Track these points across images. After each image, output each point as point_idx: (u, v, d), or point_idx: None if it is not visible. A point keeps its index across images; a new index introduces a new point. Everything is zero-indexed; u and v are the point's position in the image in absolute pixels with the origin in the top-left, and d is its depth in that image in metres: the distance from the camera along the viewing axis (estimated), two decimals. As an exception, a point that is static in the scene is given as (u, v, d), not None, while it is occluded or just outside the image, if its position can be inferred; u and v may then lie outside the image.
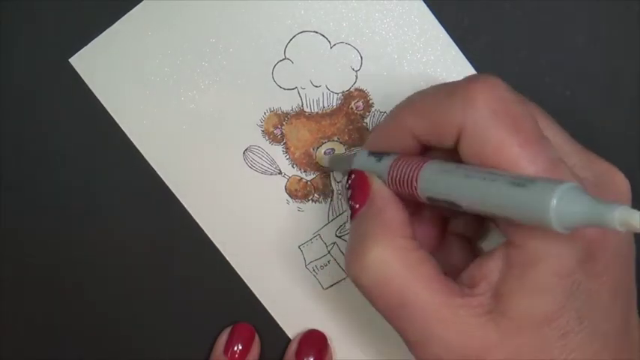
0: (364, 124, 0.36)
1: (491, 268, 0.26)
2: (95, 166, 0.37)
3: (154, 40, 0.36)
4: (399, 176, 0.27)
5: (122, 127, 0.36)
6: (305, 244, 0.37)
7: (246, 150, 0.36)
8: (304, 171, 0.36)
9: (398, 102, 0.35)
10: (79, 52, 0.36)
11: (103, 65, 0.36)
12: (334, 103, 0.36)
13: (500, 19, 0.35)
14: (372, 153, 0.30)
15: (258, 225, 0.37)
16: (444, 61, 0.35)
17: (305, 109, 0.36)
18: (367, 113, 0.36)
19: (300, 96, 0.36)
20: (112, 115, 0.36)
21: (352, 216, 0.29)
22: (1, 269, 0.37)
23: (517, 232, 0.25)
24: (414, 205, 0.29)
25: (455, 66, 0.35)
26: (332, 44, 0.35)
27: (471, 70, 0.35)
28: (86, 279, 0.37)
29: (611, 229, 0.20)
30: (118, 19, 0.35)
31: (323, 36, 0.35)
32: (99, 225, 0.37)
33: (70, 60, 0.36)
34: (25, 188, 0.37)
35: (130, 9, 0.35)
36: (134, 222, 0.37)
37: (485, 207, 0.24)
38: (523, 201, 0.22)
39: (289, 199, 0.37)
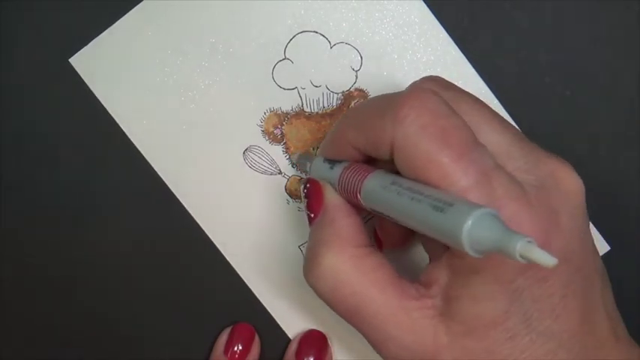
0: (364, 124, 0.36)
1: (440, 273, 0.27)
2: (95, 166, 0.37)
3: (154, 40, 0.36)
4: (346, 186, 0.28)
5: (122, 127, 0.36)
6: (305, 244, 0.37)
7: (246, 150, 0.36)
8: (304, 171, 0.36)
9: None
10: (79, 52, 0.36)
11: (103, 65, 0.36)
12: (334, 103, 0.36)
13: (500, 19, 0.35)
14: (326, 159, 0.31)
15: (258, 225, 0.37)
16: (444, 61, 0.35)
17: (305, 109, 0.36)
18: (367, 113, 0.36)
19: (300, 96, 0.36)
20: (112, 115, 0.36)
21: (310, 224, 0.30)
22: (1, 269, 0.37)
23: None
24: None
25: (455, 66, 0.35)
26: (332, 44, 0.35)
27: (470, 70, 0.35)
28: (86, 279, 0.37)
29: (512, 259, 0.20)
30: (118, 19, 0.35)
31: (323, 36, 0.35)
32: (99, 225, 0.37)
33: (70, 60, 0.36)
34: (25, 188, 0.37)
35: (130, 9, 0.35)
36: (134, 222, 0.37)
37: (412, 225, 0.25)
38: (441, 225, 0.23)
39: (289, 199, 0.37)
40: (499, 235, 0.21)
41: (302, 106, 0.36)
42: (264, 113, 0.36)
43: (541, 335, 0.26)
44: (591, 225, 0.36)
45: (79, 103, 0.36)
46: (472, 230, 0.22)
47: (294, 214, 0.37)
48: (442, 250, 0.27)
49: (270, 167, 0.36)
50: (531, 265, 0.24)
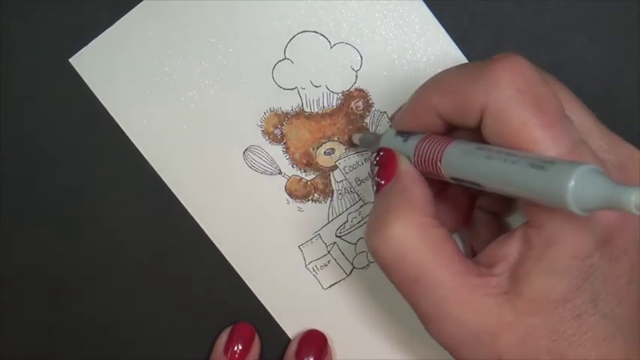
0: (364, 124, 0.36)
1: (509, 249, 0.26)
2: (95, 166, 0.37)
3: (154, 40, 0.36)
4: (424, 156, 0.28)
5: (122, 127, 0.36)
6: (305, 244, 0.37)
7: (246, 150, 0.36)
8: (304, 171, 0.36)
9: (398, 102, 0.35)
10: (79, 52, 0.36)
11: (103, 65, 0.36)
12: (334, 103, 0.36)
13: (500, 19, 0.35)
14: (399, 133, 0.30)
15: (258, 225, 0.37)
16: (444, 61, 0.35)
17: (305, 109, 0.36)
18: (367, 113, 0.36)
19: (300, 96, 0.36)
20: (112, 115, 0.36)
21: (377, 191, 0.29)
22: (1, 269, 0.37)
23: (537, 213, 0.25)
24: (442, 183, 0.29)
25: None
26: (332, 44, 0.35)
27: (471, 70, 0.35)
28: (86, 279, 0.37)
29: (627, 211, 0.20)
30: (118, 19, 0.35)
31: (323, 36, 0.35)
32: (99, 225, 0.37)
33: (70, 60, 0.36)
34: (25, 188, 0.37)
35: (130, 9, 0.35)
36: (134, 222, 0.37)
37: (505, 188, 0.24)
38: (542, 183, 0.22)
39: (289, 199, 0.37)
40: (609, 190, 0.20)
41: (302, 106, 0.36)
42: (264, 113, 0.36)
43: (604, 317, 0.25)
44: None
45: (79, 103, 0.36)
46: (577, 186, 0.21)
47: (294, 214, 0.37)
48: (497, 228, 0.27)
49: (270, 167, 0.36)
50: (606, 243, 0.25)
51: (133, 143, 0.36)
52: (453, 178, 0.27)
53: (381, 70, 0.35)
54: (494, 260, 0.27)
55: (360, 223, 0.37)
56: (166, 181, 0.36)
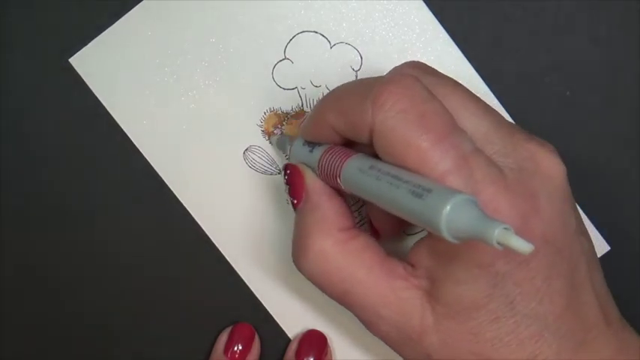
0: (364, 124, 0.36)
1: (423, 255, 0.27)
2: (95, 166, 0.37)
3: (154, 40, 0.36)
4: (326, 170, 0.28)
5: (122, 127, 0.36)
6: (305, 244, 0.37)
7: (246, 150, 0.36)
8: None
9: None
10: (79, 52, 0.36)
11: (103, 65, 0.36)
12: (334, 103, 0.36)
13: (500, 19, 0.35)
14: (305, 142, 0.31)
15: (258, 225, 0.37)
16: (444, 61, 0.35)
17: (305, 109, 0.36)
18: (367, 113, 0.36)
19: (300, 96, 0.36)
20: (112, 115, 0.36)
21: (294, 210, 0.30)
22: (1, 269, 0.37)
23: None
24: None
25: (455, 66, 0.35)
26: (332, 44, 0.35)
27: (470, 70, 0.35)
28: (86, 279, 0.37)
29: (490, 246, 0.20)
30: (118, 19, 0.35)
31: (323, 36, 0.35)
32: (98, 225, 0.37)
33: (70, 60, 0.36)
34: (25, 188, 0.37)
35: (130, 9, 0.35)
36: (134, 222, 0.37)
37: (393, 211, 0.25)
38: (420, 211, 0.23)
39: (289, 199, 0.37)
40: (476, 222, 0.21)
41: (302, 106, 0.36)
42: (264, 113, 0.36)
43: (526, 317, 0.26)
44: (591, 225, 0.36)
45: (79, 103, 0.36)
46: (450, 217, 0.22)
47: (294, 215, 0.37)
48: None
49: (270, 167, 0.36)
50: (509, 250, 0.25)
51: (133, 143, 0.36)
52: (351, 194, 0.27)
53: (381, 70, 0.35)
54: (415, 262, 0.27)
55: (360, 223, 0.37)
56: (166, 181, 0.36)
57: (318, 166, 0.29)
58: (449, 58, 0.35)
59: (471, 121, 0.27)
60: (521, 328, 0.26)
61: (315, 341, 0.37)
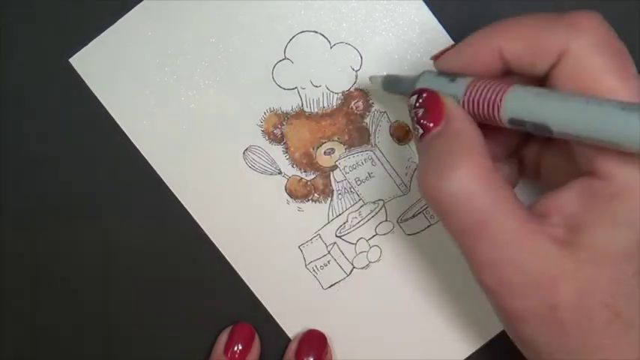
0: (364, 124, 0.36)
1: (567, 201, 0.26)
2: (95, 166, 0.37)
3: (154, 40, 0.36)
4: (479, 97, 0.27)
5: (122, 127, 0.36)
6: (305, 244, 0.37)
7: (246, 150, 0.36)
8: (304, 171, 0.36)
9: (398, 102, 0.35)
10: (79, 52, 0.36)
11: (103, 65, 0.36)
12: (334, 103, 0.36)
13: (500, 19, 0.35)
14: (443, 73, 0.29)
15: (258, 225, 0.37)
16: (444, 61, 0.35)
17: (305, 109, 0.36)
18: (367, 113, 0.36)
19: (300, 96, 0.36)
20: (112, 115, 0.36)
21: (423, 135, 0.28)
22: (1, 269, 0.37)
23: (605, 163, 0.25)
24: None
25: (455, 66, 0.35)
26: (332, 44, 0.35)
27: (471, 70, 0.35)
28: (85, 279, 0.37)
29: None
30: (118, 19, 0.35)
31: (323, 36, 0.35)
32: (99, 225, 0.37)
33: (70, 60, 0.36)
34: (25, 188, 0.37)
35: (130, 9, 0.35)
36: (134, 222, 0.37)
37: (584, 131, 0.24)
38: (631, 125, 0.22)
39: (289, 199, 0.37)
40: None
41: (302, 106, 0.36)
42: (264, 113, 0.36)
43: None
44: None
45: (79, 103, 0.36)
46: None
47: (294, 214, 0.37)
48: (567, 176, 0.27)
49: (270, 167, 0.36)
50: None
51: (133, 143, 0.36)
52: (511, 120, 0.26)
53: (381, 70, 0.35)
54: (548, 212, 0.26)
55: (360, 223, 0.37)
56: (166, 181, 0.36)
57: (467, 94, 0.27)
58: (449, 58, 0.35)
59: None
60: None
61: (315, 341, 0.37)
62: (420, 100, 0.28)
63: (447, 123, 0.27)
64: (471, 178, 0.26)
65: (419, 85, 0.29)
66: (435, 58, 0.30)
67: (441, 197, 0.26)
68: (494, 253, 0.26)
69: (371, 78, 0.34)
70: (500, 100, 0.26)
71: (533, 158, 0.31)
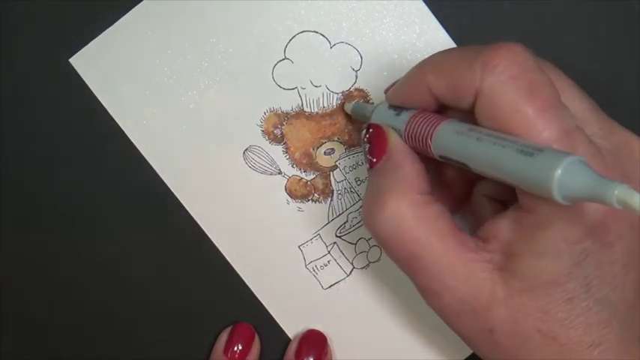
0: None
1: (502, 228, 0.27)
2: (95, 166, 0.37)
3: (154, 40, 0.36)
4: (415, 132, 0.28)
5: (122, 127, 0.36)
6: (305, 244, 0.37)
7: (246, 150, 0.36)
8: (304, 171, 0.36)
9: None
10: (79, 52, 0.36)
11: (103, 65, 0.36)
12: (334, 103, 0.36)
13: (500, 19, 0.35)
14: (391, 106, 0.30)
15: (258, 225, 0.37)
16: (444, 61, 0.35)
17: (305, 109, 0.36)
18: (367, 113, 0.36)
19: (300, 96, 0.36)
20: (112, 115, 0.36)
21: (370, 169, 0.30)
22: (1, 269, 0.37)
23: (527, 197, 0.25)
24: (436, 163, 0.29)
25: (455, 66, 0.35)
26: (332, 44, 0.35)
27: (471, 70, 0.35)
28: (85, 279, 0.37)
29: (609, 206, 0.20)
30: (118, 19, 0.35)
31: (323, 36, 0.35)
32: (99, 225, 0.37)
33: (70, 60, 0.36)
34: (25, 188, 0.37)
35: (130, 9, 0.35)
36: (134, 222, 0.37)
37: (492, 172, 0.24)
38: (529, 170, 0.22)
39: (289, 199, 0.37)
40: (593, 182, 0.21)
41: (302, 106, 0.36)
42: (264, 113, 0.36)
43: (598, 302, 0.26)
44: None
45: (79, 103, 0.36)
46: (563, 176, 0.21)
47: (294, 214, 0.37)
48: (500, 207, 0.27)
49: (270, 167, 0.36)
50: (599, 229, 0.25)
51: (133, 143, 0.36)
52: (441, 157, 0.27)
53: (381, 70, 0.35)
54: (488, 236, 0.27)
55: (360, 223, 0.37)
56: (166, 181, 0.36)
57: (406, 129, 0.29)
58: (449, 58, 0.35)
59: (571, 101, 0.27)
60: (592, 312, 0.25)
61: (315, 341, 0.37)
62: (367, 135, 0.30)
63: (387, 159, 0.29)
64: (400, 213, 0.27)
65: (373, 117, 0.31)
66: (386, 91, 0.31)
67: (376, 230, 0.28)
68: (431, 283, 0.27)
69: (345, 106, 0.36)
70: (431, 137, 0.27)
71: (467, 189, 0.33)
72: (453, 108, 0.28)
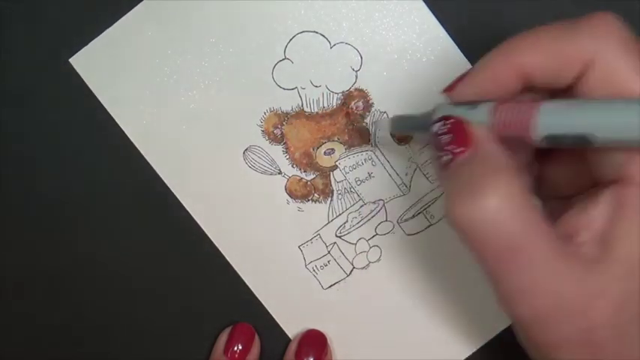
0: (364, 124, 0.36)
1: (594, 215, 0.26)
2: (95, 166, 0.37)
3: (153, 40, 0.36)
4: (509, 118, 0.26)
5: (122, 127, 0.36)
6: (305, 244, 0.37)
7: (246, 150, 0.36)
8: (304, 171, 0.36)
9: (398, 102, 0.35)
10: (79, 52, 0.36)
11: (103, 65, 0.36)
12: (334, 103, 0.36)
13: (500, 19, 0.35)
14: (460, 103, 0.28)
15: (258, 225, 0.37)
16: (444, 61, 0.35)
17: (305, 109, 0.36)
18: (367, 113, 0.36)
19: (300, 96, 0.36)
20: (112, 115, 0.36)
21: (451, 161, 0.27)
22: (1, 269, 0.37)
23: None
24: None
25: (455, 66, 0.35)
26: (332, 44, 0.35)
27: (471, 70, 0.35)
28: (85, 279, 0.37)
29: None
30: (118, 19, 0.35)
31: (323, 36, 0.35)
32: (98, 225, 0.37)
33: (70, 60, 0.36)
34: (25, 188, 0.37)
35: (130, 9, 0.35)
36: (134, 222, 0.37)
37: (624, 134, 0.23)
38: None
39: (289, 199, 0.37)
40: None
41: (302, 106, 0.36)
42: (264, 113, 0.36)
43: None
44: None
45: (79, 103, 0.36)
46: None
47: (294, 214, 0.37)
48: (574, 189, 0.26)
49: (270, 167, 0.36)
50: None
51: (133, 143, 0.36)
52: (548, 137, 0.25)
53: (381, 70, 0.35)
54: (574, 230, 0.26)
55: (360, 223, 0.37)
56: (166, 181, 0.36)
57: (495, 117, 0.27)
58: (449, 58, 0.35)
59: None
60: None
61: (315, 341, 0.37)
62: (445, 127, 0.28)
63: (475, 147, 0.27)
64: (502, 203, 0.25)
65: (436, 117, 0.29)
66: (449, 90, 0.29)
67: (470, 224, 0.25)
68: (527, 280, 0.25)
69: (375, 123, 0.34)
70: (531, 119, 0.25)
71: (536, 175, 0.31)
72: (541, 90, 0.27)
